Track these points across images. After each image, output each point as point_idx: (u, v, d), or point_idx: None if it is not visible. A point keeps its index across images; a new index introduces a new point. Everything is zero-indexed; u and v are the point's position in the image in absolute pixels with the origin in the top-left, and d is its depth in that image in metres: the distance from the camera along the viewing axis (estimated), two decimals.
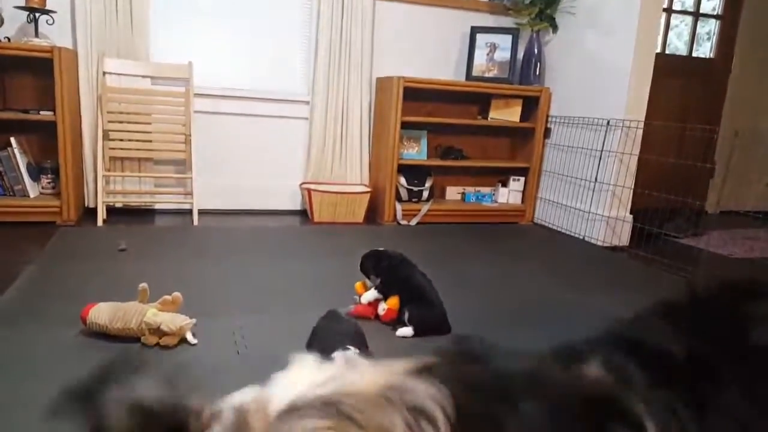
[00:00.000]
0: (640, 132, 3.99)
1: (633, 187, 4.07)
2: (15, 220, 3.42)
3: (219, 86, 4.15)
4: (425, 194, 4.52)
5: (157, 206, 4.09)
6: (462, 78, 4.67)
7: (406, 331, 2.28)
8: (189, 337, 2.09)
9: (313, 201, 4.13)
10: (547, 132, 4.63)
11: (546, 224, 4.65)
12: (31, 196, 3.60)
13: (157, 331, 2.04)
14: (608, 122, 4.06)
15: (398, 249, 2.58)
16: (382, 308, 2.39)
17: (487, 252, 3.72)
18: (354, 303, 2.49)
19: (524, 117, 4.63)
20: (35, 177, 3.65)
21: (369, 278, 2.48)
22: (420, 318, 2.29)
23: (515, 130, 4.81)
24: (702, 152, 4.38)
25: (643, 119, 3.99)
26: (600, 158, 4.14)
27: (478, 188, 4.81)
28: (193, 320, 2.12)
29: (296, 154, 4.40)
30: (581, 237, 4.27)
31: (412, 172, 4.46)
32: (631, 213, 4.16)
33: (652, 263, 3.66)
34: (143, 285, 2.15)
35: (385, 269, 2.41)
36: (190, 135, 3.85)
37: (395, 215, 4.35)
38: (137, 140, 3.82)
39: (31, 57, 3.43)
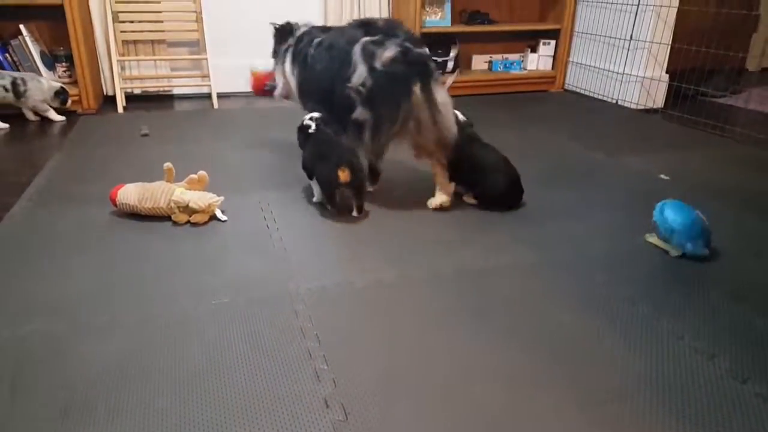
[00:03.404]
0: None
1: (670, 42, 3.81)
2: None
3: None
4: (450, 65, 4.32)
5: (176, 91, 4.02)
6: None
7: (471, 200, 2.31)
8: (218, 213, 2.11)
9: None
10: None
11: (577, 90, 4.45)
12: None
13: (187, 209, 2.06)
14: None
15: None
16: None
17: (517, 120, 3.60)
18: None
19: None
20: (50, 66, 3.58)
21: None
22: (484, 198, 2.27)
23: None
24: (746, 1, 4.03)
25: None
26: (636, 13, 3.84)
27: (506, 55, 4.58)
28: (221, 198, 2.13)
29: None
30: (614, 101, 4.09)
31: (436, 42, 4.23)
32: (667, 72, 3.93)
33: (688, 124, 3.51)
34: (168, 164, 2.14)
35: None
36: (201, 12, 3.68)
37: None
38: (148, 21, 3.68)
39: None
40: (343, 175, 2.03)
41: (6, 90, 3.18)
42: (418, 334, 1.48)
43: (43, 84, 3.28)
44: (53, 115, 3.37)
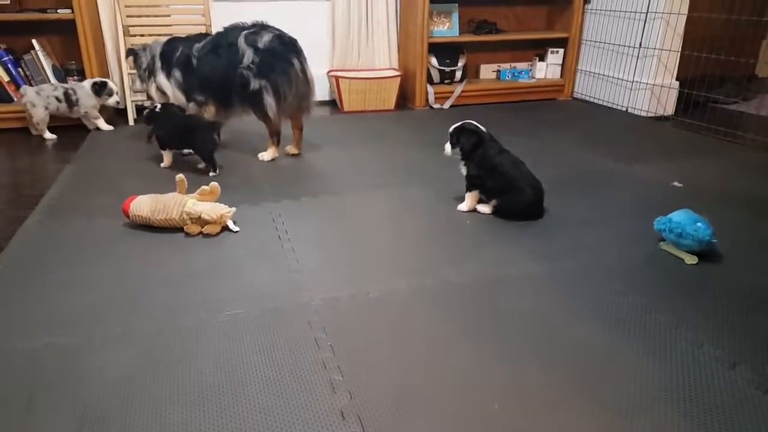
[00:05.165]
0: None
1: (680, 50, 3.80)
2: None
3: None
4: (458, 74, 4.33)
5: None
6: None
7: (485, 209, 2.28)
8: (230, 224, 2.11)
9: (341, 89, 4.01)
10: None
11: (587, 98, 4.44)
12: None
13: (199, 221, 2.07)
14: None
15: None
16: None
17: (526, 128, 3.60)
18: None
19: None
20: (62, 79, 3.61)
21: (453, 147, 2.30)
22: (504, 208, 2.24)
23: None
24: (757, 7, 4.01)
25: None
26: (645, 21, 3.84)
27: (514, 64, 4.58)
28: (233, 209, 2.14)
29: (321, 41, 4.21)
30: (624, 109, 4.08)
31: (444, 51, 4.24)
32: (677, 79, 3.92)
33: (700, 131, 3.49)
34: (180, 176, 2.15)
35: (479, 154, 2.24)
36: (210, 24, 3.71)
37: (427, 99, 4.21)
38: (158, 34, 3.70)
39: None
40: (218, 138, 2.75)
41: (59, 100, 3.31)
42: (432, 345, 1.46)
43: (86, 89, 3.38)
44: (102, 123, 3.49)
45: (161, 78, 2.99)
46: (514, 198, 2.21)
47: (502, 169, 2.21)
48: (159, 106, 2.83)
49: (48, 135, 3.35)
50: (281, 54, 2.76)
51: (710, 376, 1.34)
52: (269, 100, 2.77)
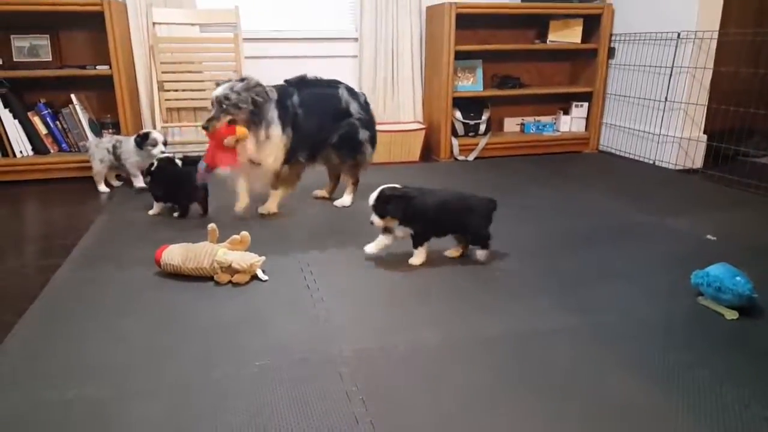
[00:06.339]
0: (714, 43, 3.69)
1: (707, 103, 3.80)
2: (82, 175, 3.51)
3: (266, 29, 4.09)
4: (482, 127, 4.37)
5: None
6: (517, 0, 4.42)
7: (482, 254, 2.30)
8: (260, 273, 2.11)
9: None
10: (611, 52, 4.35)
11: (612, 151, 4.44)
12: None
13: (229, 270, 2.07)
14: (678, 35, 3.77)
15: (458, 185, 2.48)
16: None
17: (552, 181, 3.59)
18: None
19: (585, 37, 4.36)
20: (97, 132, 3.73)
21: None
22: (475, 232, 2.27)
23: (576, 53, 4.54)
24: None
25: (717, 29, 3.68)
26: (670, 75, 3.86)
27: (538, 118, 4.62)
28: (263, 258, 2.14)
29: None
30: (651, 161, 4.06)
31: (468, 105, 4.31)
32: (705, 133, 3.90)
33: (730, 184, 3.45)
34: (212, 225, 2.17)
35: (410, 211, 2.18)
36: None
37: (452, 151, 4.25)
38: (191, 89, 3.83)
39: (83, 12, 3.46)
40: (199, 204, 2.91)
41: (109, 152, 3.29)
42: (468, 401, 1.42)
43: (131, 143, 3.25)
44: (137, 181, 3.31)
45: (275, 130, 2.63)
46: (474, 211, 2.24)
47: (440, 198, 2.25)
48: (155, 163, 2.82)
49: (102, 188, 3.35)
50: (371, 110, 3.01)
51: None
52: (370, 151, 3.00)
